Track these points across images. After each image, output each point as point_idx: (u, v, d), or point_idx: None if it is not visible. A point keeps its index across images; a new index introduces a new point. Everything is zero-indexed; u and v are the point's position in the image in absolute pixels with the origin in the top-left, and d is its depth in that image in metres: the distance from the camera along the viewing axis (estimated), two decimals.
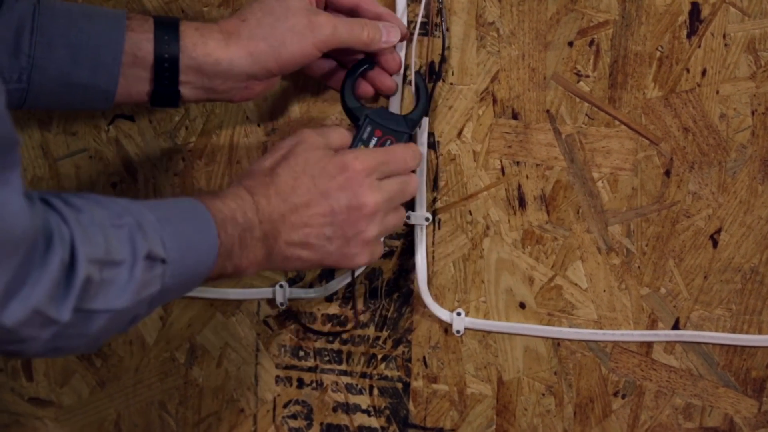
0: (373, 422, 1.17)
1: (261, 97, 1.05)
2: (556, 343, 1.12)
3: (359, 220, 0.97)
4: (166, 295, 0.87)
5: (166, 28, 0.98)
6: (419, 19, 1.05)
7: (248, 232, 0.92)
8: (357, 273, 1.12)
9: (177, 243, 0.86)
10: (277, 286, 1.15)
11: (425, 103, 1.05)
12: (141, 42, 0.97)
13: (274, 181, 0.94)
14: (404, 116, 1.04)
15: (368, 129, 1.01)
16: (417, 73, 1.06)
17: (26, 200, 0.76)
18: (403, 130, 1.03)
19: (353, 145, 1.00)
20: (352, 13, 1.03)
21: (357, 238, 0.97)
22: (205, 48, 0.97)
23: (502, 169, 1.09)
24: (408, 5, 1.06)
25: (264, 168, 0.96)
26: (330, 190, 0.95)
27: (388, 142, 1.02)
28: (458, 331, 1.13)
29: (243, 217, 0.91)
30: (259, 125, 1.12)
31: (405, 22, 1.05)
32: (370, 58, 1.04)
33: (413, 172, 1.02)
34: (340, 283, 1.14)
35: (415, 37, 1.05)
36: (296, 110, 1.11)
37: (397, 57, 1.04)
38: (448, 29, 1.06)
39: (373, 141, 1.01)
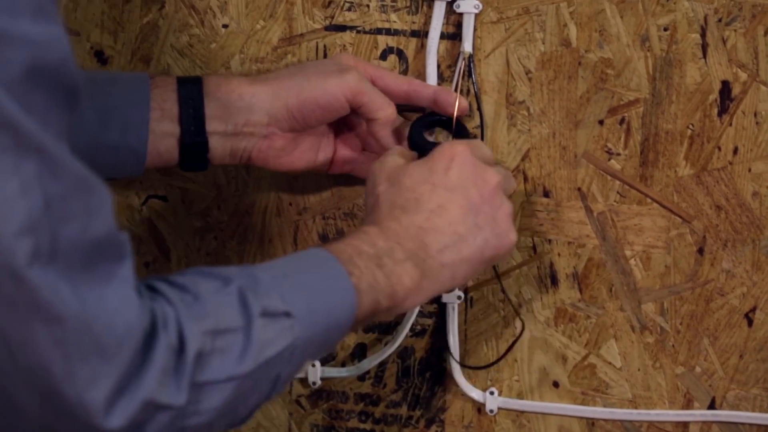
0: None
1: (284, 167, 1.04)
2: (591, 422, 1.11)
3: (493, 196, 0.94)
4: (308, 346, 0.83)
5: (190, 80, 1.00)
6: None
7: (387, 257, 0.88)
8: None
9: (301, 294, 0.83)
10: (310, 365, 1.15)
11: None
12: (166, 94, 0.98)
13: (394, 202, 0.92)
14: None
15: None
16: (458, 120, 1.04)
17: (136, 294, 0.74)
18: None
19: None
20: (407, 99, 1.03)
21: (500, 213, 0.94)
22: (229, 86, 0.99)
23: (534, 247, 1.09)
24: (438, 85, 1.06)
25: (372, 201, 0.94)
26: (451, 183, 0.93)
27: None
28: (491, 411, 1.12)
29: (373, 247, 0.88)
30: (290, 204, 1.12)
31: None
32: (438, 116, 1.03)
33: None
34: (372, 362, 1.14)
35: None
36: (327, 189, 1.12)
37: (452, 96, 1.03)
38: (478, 108, 1.07)
39: None
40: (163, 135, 0.99)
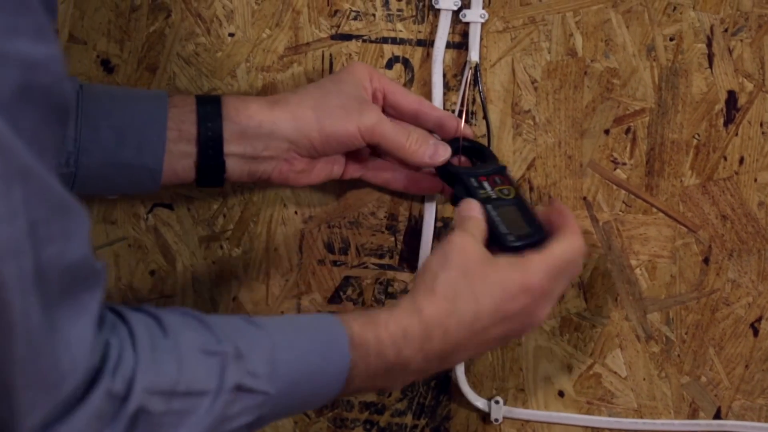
0: None
1: (301, 184, 1.05)
2: None
3: (527, 328, 0.93)
4: (275, 417, 0.84)
5: (209, 101, 0.99)
6: (458, 108, 1.06)
7: (400, 367, 0.88)
8: None
9: (291, 374, 0.82)
10: None
11: (488, 148, 1.06)
12: (184, 115, 0.98)
13: (457, 309, 0.89)
14: (483, 161, 1.04)
15: (471, 179, 1.00)
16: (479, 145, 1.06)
17: (95, 330, 0.73)
18: (493, 165, 1.02)
19: (472, 195, 0.99)
20: (414, 119, 1.03)
21: (527, 329, 0.94)
22: (247, 111, 0.98)
23: None
24: (444, 94, 1.06)
25: (440, 276, 0.90)
26: (510, 313, 0.90)
27: (497, 179, 1.00)
28: (496, 420, 1.12)
29: (397, 356, 0.87)
30: (296, 213, 1.12)
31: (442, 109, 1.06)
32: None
33: None
34: None
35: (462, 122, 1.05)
36: (333, 198, 1.12)
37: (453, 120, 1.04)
38: (485, 117, 1.07)
39: (485, 184, 1.00)
40: (180, 155, 0.98)
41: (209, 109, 0.98)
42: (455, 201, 1.00)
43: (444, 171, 1.03)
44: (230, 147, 0.99)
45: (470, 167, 1.03)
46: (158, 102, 0.98)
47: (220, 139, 0.98)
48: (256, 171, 1.01)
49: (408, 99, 1.03)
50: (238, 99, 1.00)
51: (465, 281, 0.89)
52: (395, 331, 0.87)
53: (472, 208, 0.96)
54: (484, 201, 0.98)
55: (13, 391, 0.70)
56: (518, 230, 0.95)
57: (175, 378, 0.77)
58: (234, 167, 1.00)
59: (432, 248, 1.08)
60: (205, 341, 0.79)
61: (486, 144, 1.07)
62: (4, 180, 0.68)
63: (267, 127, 0.98)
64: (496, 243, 0.95)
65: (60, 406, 0.72)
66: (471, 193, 0.98)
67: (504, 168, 1.03)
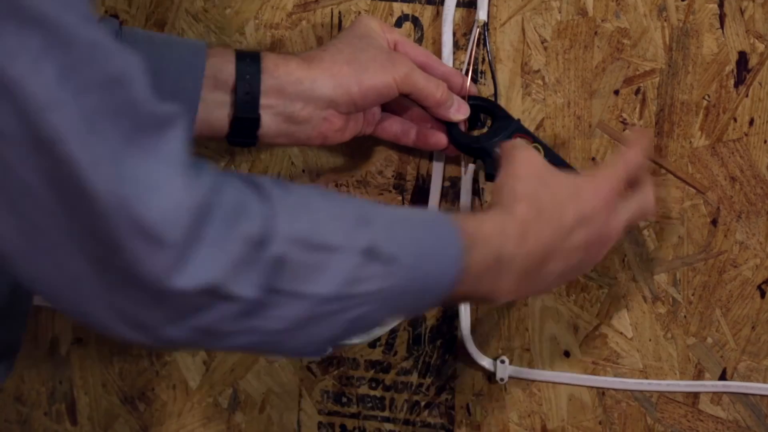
0: None
1: (336, 142, 1.03)
2: (601, 392, 1.12)
3: (608, 242, 0.95)
4: (389, 303, 0.82)
5: (248, 54, 0.99)
6: (465, 67, 1.06)
7: (505, 262, 0.88)
8: None
9: (411, 247, 0.82)
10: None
11: (497, 104, 1.06)
12: (223, 65, 0.98)
13: (543, 211, 0.90)
14: (494, 118, 1.04)
15: (497, 149, 1.00)
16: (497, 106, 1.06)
17: (184, 170, 0.72)
18: (509, 122, 1.03)
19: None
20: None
21: (602, 255, 0.95)
22: (287, 68, 0.98)
23: None
24: (453, 53, 1.06)
25: (517, 188, 0.91)
26: (589, 212, 0.92)
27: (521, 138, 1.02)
28: (502, 379, 1.13)
29: (500, 249, 0.87)
30: (303, 171, 1.12)
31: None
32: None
33: None
34: (383, 329, 1.14)
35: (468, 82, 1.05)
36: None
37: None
38: (493, 77, 1.06)
39: None
40: (215, 105, 0.98)
41: (248, 60, 0.98)
42: (489, 176, 1.01)
43: (464, 144, 1.03)
44: (267, 100, 0.98)
45: (489, 132, 1.03)
46: (196, 50, 0.98)
47: (257, 91, 0.98)
48: (295, 133, 1.00)
49: (416, 52, 1.03)
50: (278, 55, 0.99)
51: (543, 187, 0.91)
52: (494, 226, 0.88)
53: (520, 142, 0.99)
54: None
55: (120, 245, 0.70)
56: None
57: (311, 228, 0.77)
58: (270, 124, 0.99)
59: (440, 206, 1.08)
60: (329, 204, 0.80)
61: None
62: (18, 24, 0.67)
63: (306, 84, 0.98)
64: None
65: (174, 253, 0.71)
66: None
67: (519, 122, 1.03)
